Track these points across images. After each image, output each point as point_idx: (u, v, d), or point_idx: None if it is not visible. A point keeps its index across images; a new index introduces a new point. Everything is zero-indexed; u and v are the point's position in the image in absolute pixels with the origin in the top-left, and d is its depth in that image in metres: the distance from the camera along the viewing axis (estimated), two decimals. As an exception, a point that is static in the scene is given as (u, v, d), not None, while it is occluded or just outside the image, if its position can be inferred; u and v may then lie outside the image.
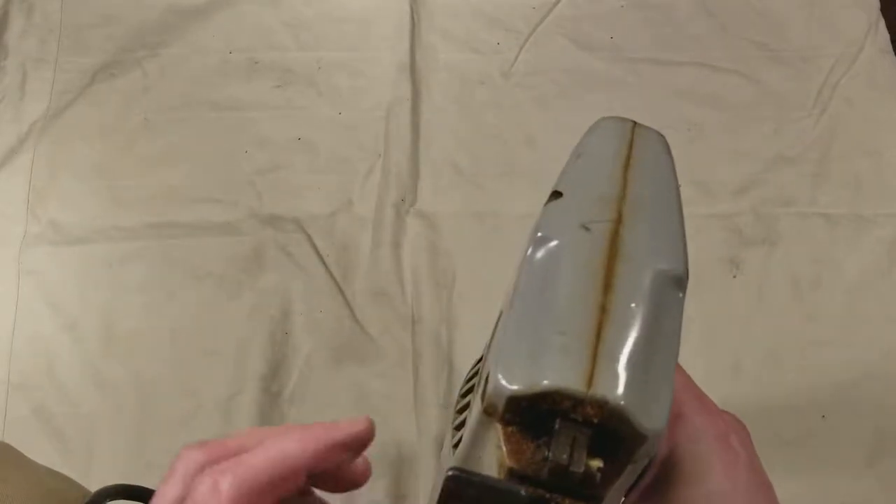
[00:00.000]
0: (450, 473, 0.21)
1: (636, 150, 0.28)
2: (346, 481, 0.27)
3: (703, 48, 0.84)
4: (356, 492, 0.27)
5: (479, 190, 0.76)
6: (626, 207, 0.26)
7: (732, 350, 0.70)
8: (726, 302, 0.72)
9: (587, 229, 0.25)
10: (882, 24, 0.84)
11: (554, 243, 0.25)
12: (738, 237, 0.74)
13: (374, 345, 0.69)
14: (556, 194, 0.27)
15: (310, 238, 0.73)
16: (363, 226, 0.74)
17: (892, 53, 0.83)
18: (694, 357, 0.69)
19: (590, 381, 0.21)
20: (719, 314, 0.71)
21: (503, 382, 0.22)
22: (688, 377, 0.30)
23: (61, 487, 0.40)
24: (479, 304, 0.71)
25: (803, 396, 0.68)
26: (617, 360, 0.22)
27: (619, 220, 0.25)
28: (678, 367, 0.30)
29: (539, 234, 0.25)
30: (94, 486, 0.37)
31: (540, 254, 0.25)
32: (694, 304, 0.71)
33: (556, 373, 0.22)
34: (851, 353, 0.70)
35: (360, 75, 0.82)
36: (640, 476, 0.29)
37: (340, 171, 0.77)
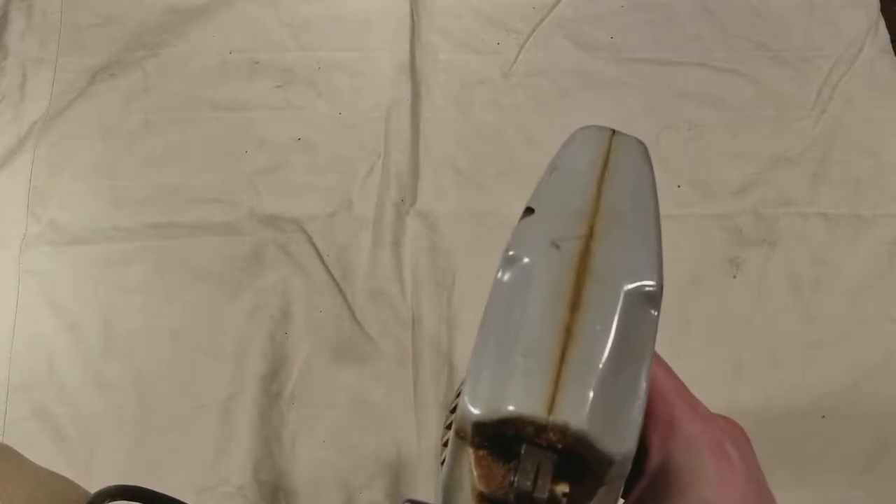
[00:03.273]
0: (404, 502, 0.21)
1: (612, 161, 0.27)
2: None
3: (703, 48, 0.84)
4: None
5: (479, 190, 0.76)
6: (599, 222, 0.25)
7: (732, 350, 0.70)
8: (726, 302, 0.72)
9: (557, 247, 0.24)
10: (882, 24, 0.84)
11: (523, 262, 0.24)
12: (738, 237, 0.74)
13: (373, 345, 0.69)
14: (528, 211, 0.26)
15: (310, 238, 0.73)
16: (363, 226, 0.74)
17: (892, 53, 0.83)
18: (694, 357, 0.69)
19: (551, 406, 0.21)
20: (719, 314, 0.71)
21: (469, 407, 0.22)
22: (680, 383, 0.29)
23: (62, 488, 0.40)
24: (479, 304, 0.70)
25: (803, 396, 0.68)
26: (580, 384, 0.21)
27: (590, 236, 0.25)
28: (670, 372, 0.29)
29: (510, 252, 0.25)
30: (94, 487, 0.37)
31: (509, 273, 0.24)
32: (694, 304, 0.71)
33: (518, 398, 0.21)
34: (851, 353, 0.70)
35: (359, 75, 0.82)
36: (629, 489, 0.29)
37: (340, 171, 0.77)
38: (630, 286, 0.23)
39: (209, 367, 0.68)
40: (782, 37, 0.84)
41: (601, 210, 0.25)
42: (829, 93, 0.81)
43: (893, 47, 0.84)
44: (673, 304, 0.73)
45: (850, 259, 0.73)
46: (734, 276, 0.73)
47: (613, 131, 0.29)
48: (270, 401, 0.67)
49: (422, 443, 0.65)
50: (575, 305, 0.23)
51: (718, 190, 0.76)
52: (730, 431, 0.28)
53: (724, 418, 0.30)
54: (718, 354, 0.70)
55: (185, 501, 0.34)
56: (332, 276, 0.72)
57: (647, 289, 0.24)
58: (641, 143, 0.29)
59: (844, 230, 0.74)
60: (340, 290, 0.71)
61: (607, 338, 0.22)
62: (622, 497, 0.30)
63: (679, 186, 0.76)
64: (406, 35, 0.83)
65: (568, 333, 0.22)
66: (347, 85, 0.82)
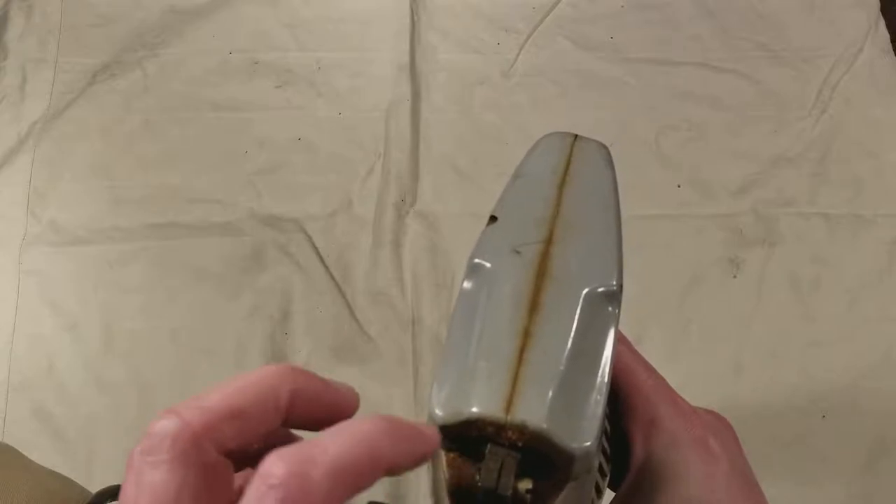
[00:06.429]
0: None
1: (574, 166, 0.28)
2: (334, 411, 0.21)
3: (703, 48, 0.84)
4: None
5: (479, 190, 0.76)
6: (559, 226, 0.26)
7: (732, 350, 0.70)
8: (726, 302, 0.72)
9: (518, 252, 0.25)
10: (882, 24, 0.84)
11: (485, 269, 0.25)
12: (738, 237, 0.74)
13: (373, 345, 0.69)
14: (492, 219, 0.27)
15: (310, 238, 0.73)
16: (363, 226, 0.74)
17: (892, 53, 0.83)
18: (694, 357, 0.69)
19: (509, 406, 0.22)
20: (719, 314, 0.71)
21: (434, 411, 0.23)
22: (661, 380, 0.29)
23: (62, 488, 0.40)
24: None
25: (803, 396, 0.68)
26: (538, 383, 0.22)
27: (549, 241, 0.25)
28: (651, 369, 0.29)
29: (474, 260, 0.25)
30: (94, 487, 0.37)
31: (472, 280, 0.25)
32: (694, 304, 0.71)
33: (478, 400, 0.22)
34: (851, 353, 0.70)
35: (359, 75, 0.82)
36: (617, 483, 0.29)
37: (340, 171, 0.77)
38: (589, 287, 0.24)
39: (209, 367, 0.68)
40: (782, 37, 0.84)
41: (561, 214, 0.26)
42: (829, 93, 0.81)
43: (893, 47, 0.84)
44: (673, 304, 0.73)
45: (850, 259, 0.73)
46: (734, 276, 0.73)
47: (576, 136, 0.29)
48: (270, 401, 0.67)
49: (422, 443, 0.65)
50: (534, 308, 0.24)
51: (718, 190, 0.76)
52: (713, 425, 0.29)
53: (708, 412, 0.30)
54: (718, 354, 0.70)
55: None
56: (332, 276, 0.72)
57: (606, 289, 0.24)
58: (604, 146, 0.29)
59: (844, 230, 0.74)
60: (340, 290, 0.71)
61: (565, 338, 0.23)
62: (612, 490, 0.30)
63: (679, 186, 0.76)
64: (406, 35, 0.83)
65: (527, 336, 0.23)
66: (347, 85, 0.82)
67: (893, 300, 0.72)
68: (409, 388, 0.68)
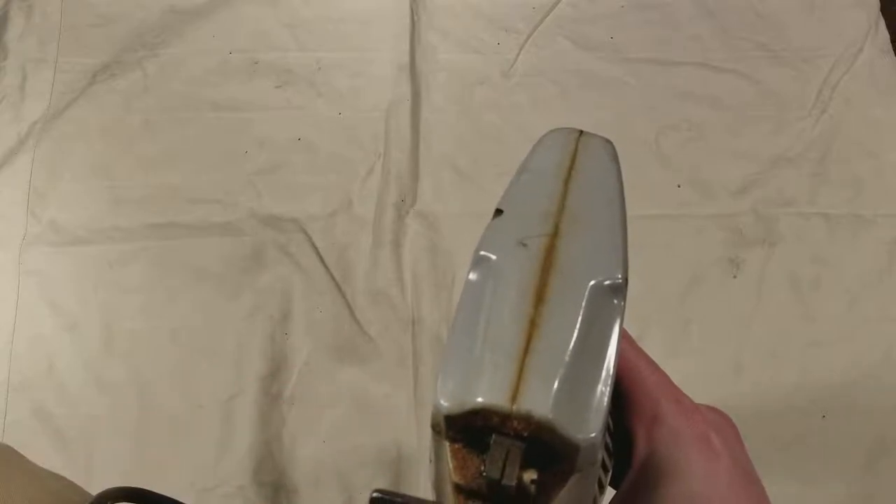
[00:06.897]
0: (373, 496, 0.22)
1: (579, 161, 0.28)
2: None
3: (703, 48, 0.84)
4: None
5: (479, 190, 0.76)
6: (564, 220, 0.26)
7: (732, 350, 0.70)
8: (726, 302, 0.72)
9: (524, 245, 0.25)
10: (882, 24, 0.84)
11: (491, 261, 0.25)
12: (738, 237, 0.74)
13: (373, 345, 0.69)
14: (497, 212, 0.27)
15: (310, 238, 0.73)
16: (363, 226, 0.74)
17: (892, 53, 0.83)
18: (694, 357, 0.69)
19: (515, 395, 0.22)
20: (719, 314, 0.71)
21: (440, 402, 0.23)
22: (664, 376, 0.29)
23: (63, 490, 0.40)
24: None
25: (803, 396, 0.68)
26: (544, 373, 0.22)
27: (555, 234, 0.25)
28: (654, 366, 0.29)
29: (479, 253, 0.26)
30: (94, 488, 0.37)
31: (478, 272, 0.25)
32: (694, 304, 0.71)
33: (484, 390, 0.22)
34: (851, 353, 0.70)
35: (359, 75, 0.82)
36: (619, 480, 0.29)
37: (340, 171, 0.77)
38: (594, 280, 0.24)
39: (209, 368, 0.68)
40: (782, 37, 0.84)
41: (567, 208, 0.26)
42: (829, 93, 0.81)
43: (893, 47, 0.84)
44: (673, 304, 0.73)
45: (850, 259, 0.73)
46: (734, 276, 0.73)
47: (581, 132, 0.29)
48: (270, 401, 0.67)
49: (422, 443, 0.65)
50: (540, 299, 0.24)
51: (718, 190, 0.76)
52: (715, 422, 0.29)
53: (710, 408, 0.30)
54: (718, 354, 0.70)
55: (186, 503, 0.34)
56: (332, 276, 0.72)
57: (611, 282, 0.24)
58: (609, 142, 0.29)
59: (844, 230, 0.74)
60: (340, 290, 0.71)
61: (571, 329, 0.23)
62: (613, 487, 0.30)
63: (679, 186, 0.76)
64: (406, 35, 0.83)
65: (533, 326, 0.23)
66: (347, 85, 0.82)
67: (893, 300, 0.72)
68: (409, 388, 0.68)
